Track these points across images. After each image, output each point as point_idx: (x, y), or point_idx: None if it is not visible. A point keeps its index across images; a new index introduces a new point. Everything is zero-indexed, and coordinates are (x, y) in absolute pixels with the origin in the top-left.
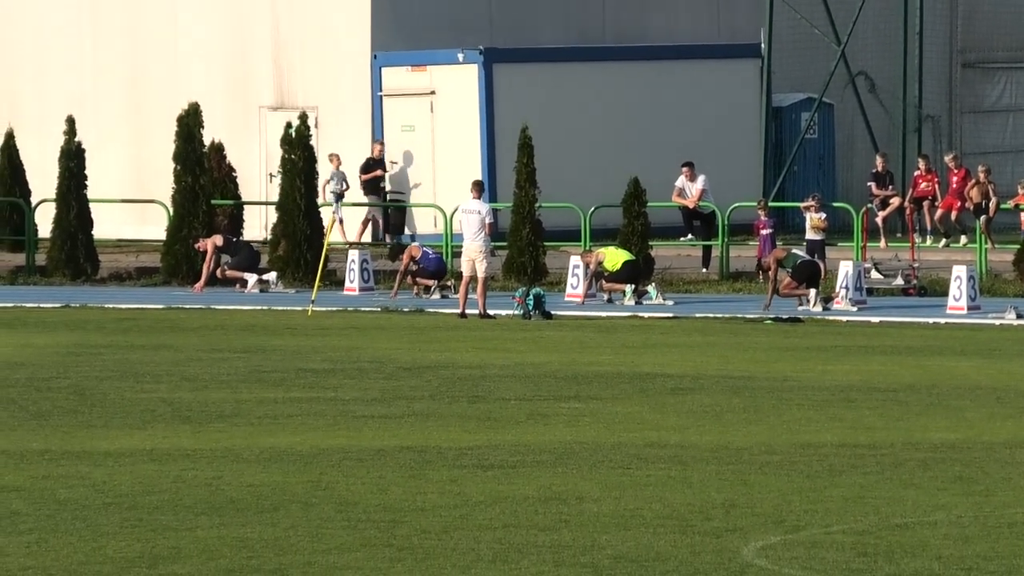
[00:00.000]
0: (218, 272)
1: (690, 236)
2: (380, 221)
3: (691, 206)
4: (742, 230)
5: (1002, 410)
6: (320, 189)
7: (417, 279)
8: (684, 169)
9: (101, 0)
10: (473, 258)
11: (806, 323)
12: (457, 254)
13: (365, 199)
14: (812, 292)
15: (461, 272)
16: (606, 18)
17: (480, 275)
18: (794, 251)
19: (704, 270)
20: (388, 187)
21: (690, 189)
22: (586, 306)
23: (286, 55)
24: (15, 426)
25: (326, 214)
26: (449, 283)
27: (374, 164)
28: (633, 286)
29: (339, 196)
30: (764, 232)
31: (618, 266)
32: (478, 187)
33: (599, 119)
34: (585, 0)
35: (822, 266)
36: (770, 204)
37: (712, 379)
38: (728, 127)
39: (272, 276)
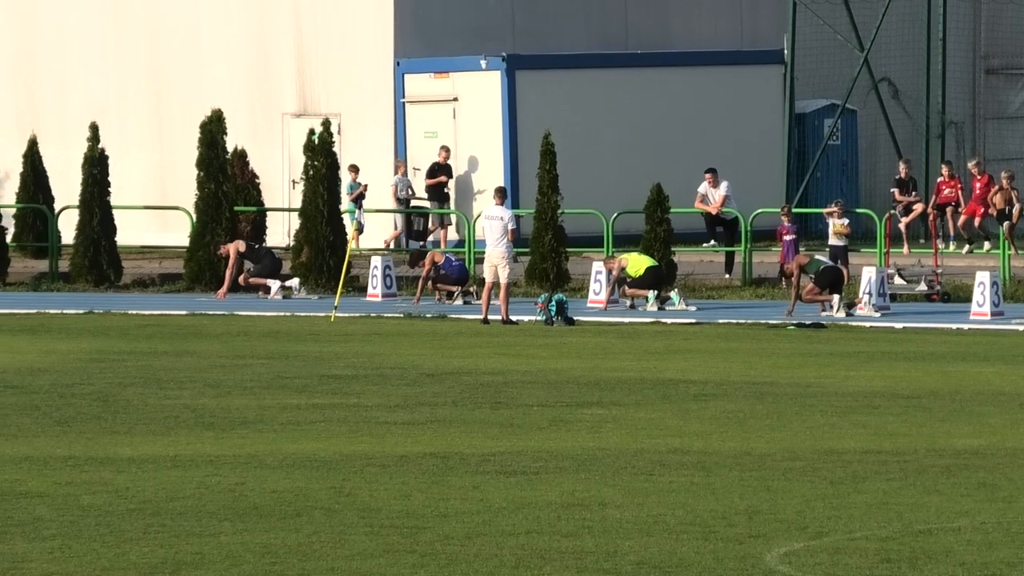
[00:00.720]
0: (240, 279)
1: (713, 242)
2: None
3: (714, 212)
4: (765, 236)
5: None
6: (391, 194)
7: (439, 285)
8: (707, 175)
9: (124, 7)
10: (496, 264)
11: (829, 329)
12: (479, 260)
13: (387, 205)
14: (835, 298)
15: (484, 278)
16: (629, 24)
17: (502, 281)
18: (817, 257)
19: (727, 276)
20: (452, 193)
21: (713, 195)
22: (609, 312)
23: (309, 62)
24: (39, 432)
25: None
26: (472, 289)
27: (439, 169)
28: (656, 292)
29: (406, 202)
30: (787, 238)
31: (641, 272)
32: (500, 193)
33: (622, 125)
34: (608, 6)
35: (845, 272)
36: (793, 210)
37: (735, 385)
38: (751, 133)
39: (295, 282)
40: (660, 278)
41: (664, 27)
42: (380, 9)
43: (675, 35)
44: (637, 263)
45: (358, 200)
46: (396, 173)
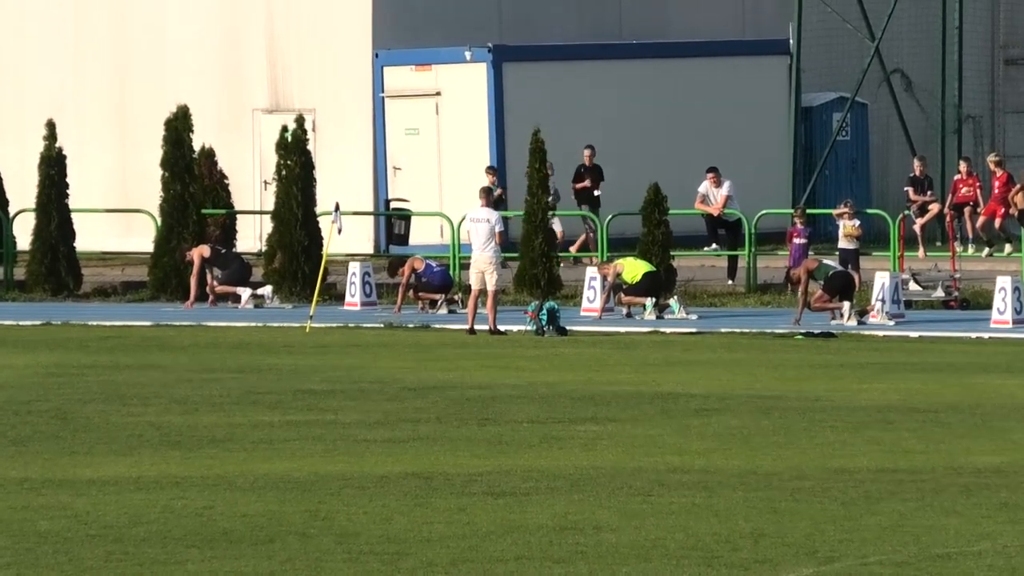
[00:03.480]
0: (207, 288)
1: (714, 246)
2: (593, 235)
3: (716, 214)
4: (770, 239)
5: None
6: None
7: (421, 294)
8: (708, 174)
9: None
10: (482, 270)
11: (839, 338)
12: (464, 266)
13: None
14: (846, 305)
15: (469, 285)
16: (623, 13)
17: (490, 288)
18: (826, 261)
19: (730, 282)
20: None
21: (714, 196)
22: (603, 321)
23: (281, 54)
24: None
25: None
26: (456, 297)
27: (585, 172)
28: (654, 299)
29: (551, 208)
30: (797, 241)
31: (638, 278)
32: (486, 194)
33: (616, 121)
34: None
35: (856, 277)
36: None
37: (739, 399)
38: (755, 129)
39: (267, 290)
40: (658, 284)
41: (661, 15)
42: None
43: (673, 24)
44: (634, 268)
45: (497, 205)
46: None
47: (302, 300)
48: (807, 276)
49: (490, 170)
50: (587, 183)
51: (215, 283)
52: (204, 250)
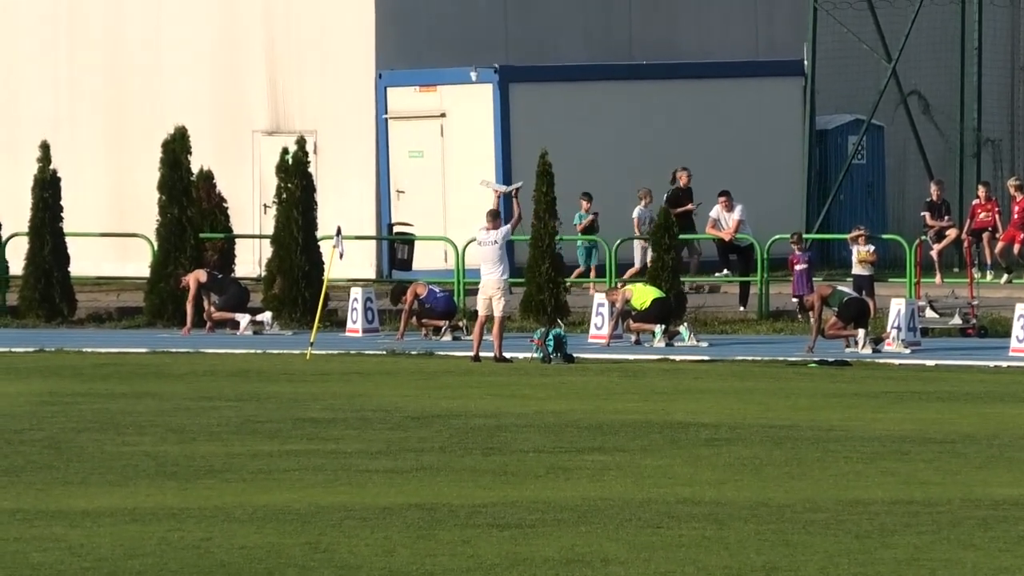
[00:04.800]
0: (205, 314)
1: (726, 271)
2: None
3: (727, 238)
4: (783, 265)
5: None
6: (635, 227)
7: (424, 320)
8: (720, 198)
9: (79, 14)
10: (490, 295)
11: (854, 367)
12: (469, 292)
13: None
14: (860, 333)
15: (475, 311)
16: (633, 33)
17: (497, 314)
18: (840, 288)
19: (742, 308)
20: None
21: (726, 220)
22: (612, 348)
23: (282, 74)
24: None
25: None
26: (461, 324)
27: (682, 195)
28: (663, 326)
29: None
30: (798, 267)
31: (647, 304)
32: (493, 217)
33: (625, 144)
34: (610, 13)
35: (871, 304)
36: (814, 236)
37: (751, 429)
38: (768, 152)
39: (267, 316)
40: (668, 311)
41: (671, 36)
42: (360, 16)
43: (683, 44)
44: (643, 294)
45: (589, 231)
46: (640, 203)
47: (302, 326)
48: (821, 302)
49: (586, 196)
50: (690, 206)
51: (213, 309)
52: (200, 275)
